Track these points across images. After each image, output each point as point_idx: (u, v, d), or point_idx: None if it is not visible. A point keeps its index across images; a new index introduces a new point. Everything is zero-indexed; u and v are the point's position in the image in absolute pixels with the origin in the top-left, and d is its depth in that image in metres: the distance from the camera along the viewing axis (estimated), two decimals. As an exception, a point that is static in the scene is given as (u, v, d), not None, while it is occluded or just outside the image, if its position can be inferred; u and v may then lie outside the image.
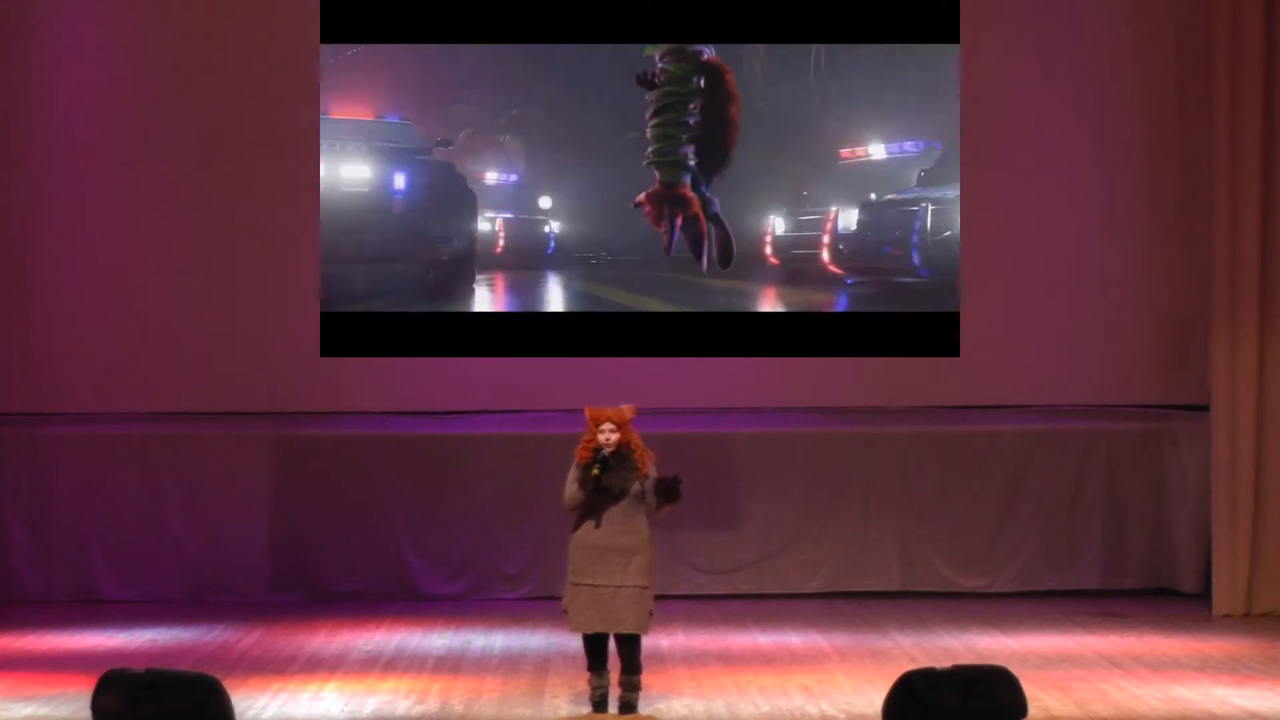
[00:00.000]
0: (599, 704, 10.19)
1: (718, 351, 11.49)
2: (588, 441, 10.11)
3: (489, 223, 12.15)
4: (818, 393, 14.66)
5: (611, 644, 10.19)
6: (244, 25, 14.53)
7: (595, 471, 9.99)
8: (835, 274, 12.10)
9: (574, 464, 10.17)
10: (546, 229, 12.38)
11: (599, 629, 10.06)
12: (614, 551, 10.00)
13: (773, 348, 11.38)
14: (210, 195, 14.52)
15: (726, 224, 11.55)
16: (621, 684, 10.16)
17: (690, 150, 11.34)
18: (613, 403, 10.37)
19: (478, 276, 11.99)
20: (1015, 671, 5.82)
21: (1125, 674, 11.49)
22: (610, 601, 9.98)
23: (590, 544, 10.03)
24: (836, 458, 14.89)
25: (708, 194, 11.48)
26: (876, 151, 12.08)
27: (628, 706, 10.13)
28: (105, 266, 14.53)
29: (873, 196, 12.03)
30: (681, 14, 10.96)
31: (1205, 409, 14.27)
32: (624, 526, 10.03)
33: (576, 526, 10.11)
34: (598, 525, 10.03)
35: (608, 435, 10.05)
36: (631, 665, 10.15)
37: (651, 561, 10.14)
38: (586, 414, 10.23)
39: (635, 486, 10.04)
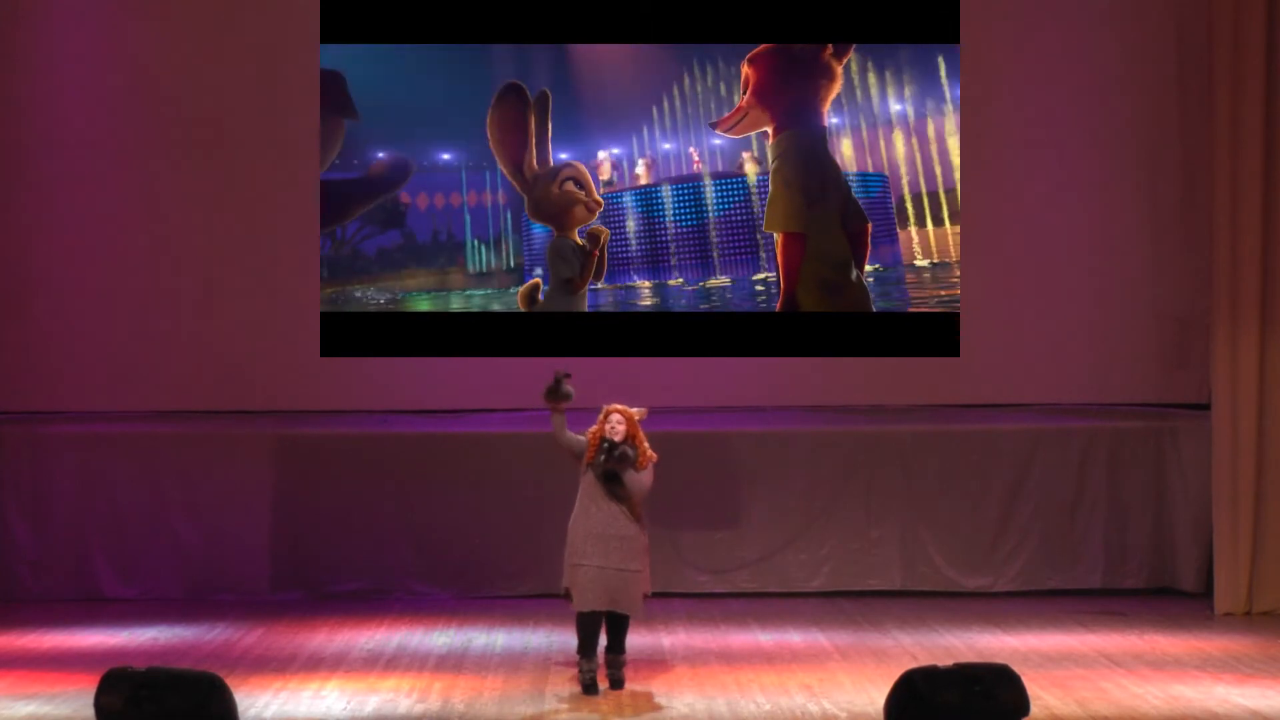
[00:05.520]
0: (588, 686, 10.71)
1: (718, 351, 11.50)
2: (594, 434, 10.68)
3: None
4: (818, 392, 14.67)
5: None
6: (244, 25, 14.53)
7: (556, 384, 10.66)
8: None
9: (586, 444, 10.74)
10: None
11: (601, 607, 10.56)
12: (613, 538, 10.56)
13: (773, 348, 11.37)
14: (210, 195, 14.53)
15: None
16: (608, 663, 10.80)
17: None
18: (611, 402, 10.90)
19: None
20: (1017, 670, 5.84)
21: (1127, 673, 11.49)
22: (612, 582, 10.53)
23: (590, 529, 10.58)
24: (837, 457, 14.88)
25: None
26: None
27: (616, 683, 10.79)
28: (105, 266, 14.54)
29: None
30: (680, 14, 10.95)
31: (1206, 408, 14.28)
32: (621, 515, 10.59)
33: (577, 512, 10.66)
34: (597, 511, 10.59)
35: (614, 425, 10.63)
36: (619, 645, 10.79)
37: (647, 548, 10.73)
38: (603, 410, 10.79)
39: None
